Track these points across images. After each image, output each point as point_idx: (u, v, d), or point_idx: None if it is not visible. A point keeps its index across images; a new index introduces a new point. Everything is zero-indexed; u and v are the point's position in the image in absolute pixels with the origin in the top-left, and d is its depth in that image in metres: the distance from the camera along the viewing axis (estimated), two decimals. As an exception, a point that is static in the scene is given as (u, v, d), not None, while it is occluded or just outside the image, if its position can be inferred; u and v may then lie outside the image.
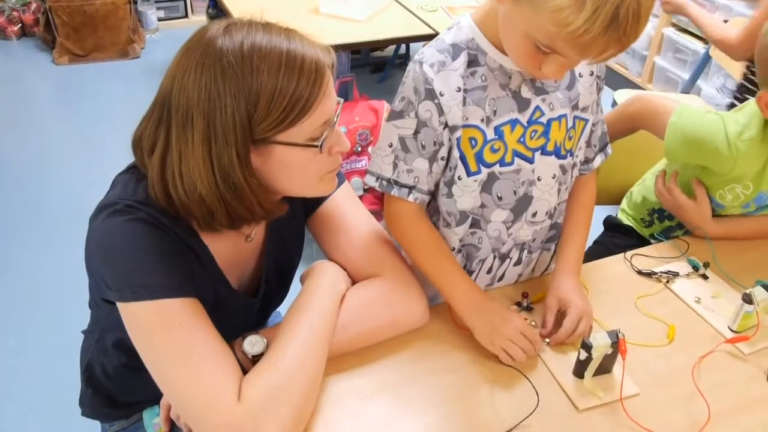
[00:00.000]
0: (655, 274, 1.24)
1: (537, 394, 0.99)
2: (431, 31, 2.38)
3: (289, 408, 0.85)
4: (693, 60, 3.22)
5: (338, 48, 2.27)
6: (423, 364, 1.04)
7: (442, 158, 1.06)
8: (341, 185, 1.11)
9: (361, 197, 2.27)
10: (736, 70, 2.52)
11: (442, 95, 1.00)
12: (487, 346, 1.04)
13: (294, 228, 1.11)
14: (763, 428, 0.97)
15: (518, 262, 1.22)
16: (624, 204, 1.62)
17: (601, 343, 0.97)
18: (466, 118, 1.02)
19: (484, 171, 1.07)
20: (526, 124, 1.05)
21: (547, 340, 1.07)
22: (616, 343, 0.98)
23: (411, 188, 1.07)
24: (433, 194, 1.13)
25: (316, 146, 0.87)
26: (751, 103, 1.25)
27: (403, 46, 3.90)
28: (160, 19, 4.23)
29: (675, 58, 3.41)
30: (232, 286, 1.02)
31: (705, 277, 1.25)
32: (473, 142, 1.04)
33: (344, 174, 1.20)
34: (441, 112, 1.01)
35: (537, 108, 1.05)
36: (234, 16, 2.35)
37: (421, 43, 3.79)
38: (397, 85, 1.06)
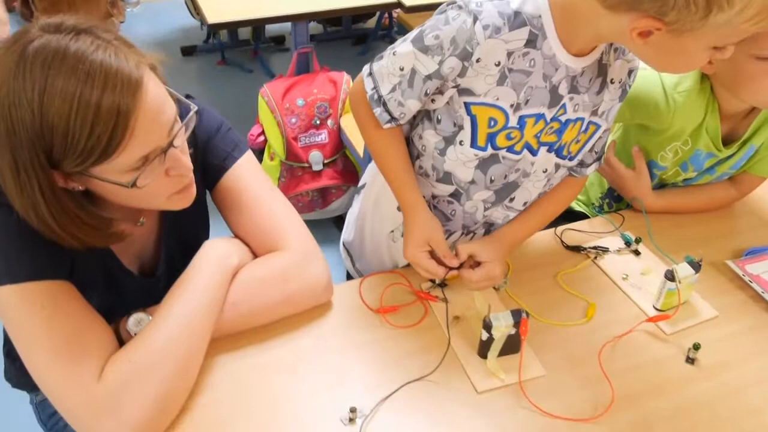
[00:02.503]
0: (584, 249, 1.19)
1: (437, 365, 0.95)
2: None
3: (155, 386, 0.82)
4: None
5: (298, 18, 2.22)
6: (326, 341, 1.00)
7: (433, 100, 0.99)
8: (243, 155, 1.06)
9: (320, 172, 2.23)
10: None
11: (478, 62, 0.90)
12: (408, 256, 1.04)
13: (194, 203, 1.07)
14: (674, 410, 0.92)
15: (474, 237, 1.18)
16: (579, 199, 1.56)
17: (503, 323, 0.93)
18: (497, 98, 0.94)
19: (490, 150, 0.99)
20: (548, 120, 0.97)
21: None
22: (519, 323, 0.93)
23: (392, 119, 1.00)
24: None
25: (125, 185, 0.79)
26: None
27: (386, 16, 3.80)
28: (141, -8, 4.16)
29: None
30: (127, 268, 0.99)
31: (637, 253, 1.19)
32: (492, 122, 0.96)
33: (248, 144, 1.13)
34: (462, 75, 0.92)
35: (563, 106, 0.97)
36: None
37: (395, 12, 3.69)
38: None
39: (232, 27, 2.10)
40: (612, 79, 1.00)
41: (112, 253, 0.96)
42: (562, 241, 1.21)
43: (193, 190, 0.90)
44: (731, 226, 1.28)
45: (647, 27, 0.79)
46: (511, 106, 0.94)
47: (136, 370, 0.82)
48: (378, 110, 0.99)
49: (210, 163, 1.04)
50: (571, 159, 1.06)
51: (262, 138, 2.22)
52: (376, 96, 0.99)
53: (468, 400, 0.92)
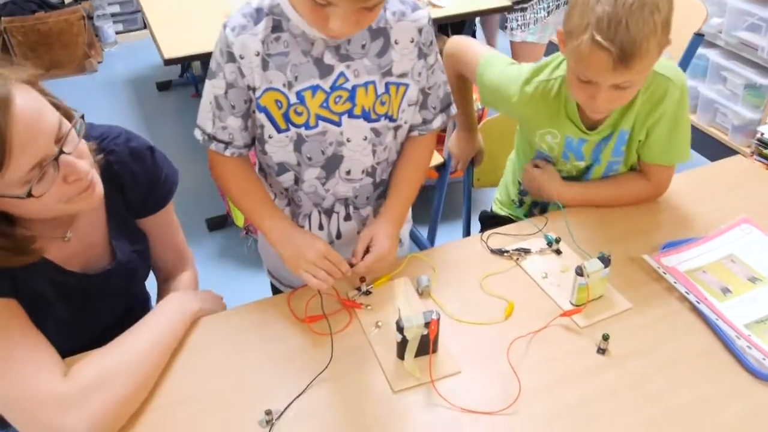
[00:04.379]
0: (507, 252, 1.24)
1: (332, 352, 1.01)
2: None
3: (120, 389, 0.91)
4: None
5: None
6: (254, 350, 1.04)
7: (253, 111, 1.09)
8: (171, 199, 1.20)
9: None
10: (673, 39, 2.50)
11: (242, 58, 1.03)
12: (293, 271, 1.10)
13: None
14: (580, 400, 0.97)
15: (348, 218, 1.25)
16: (495, 195, 1.63)
17: (414, 324, 0.97)
18: (270, 81, 1.05)
19: (293, 129, 1.10)
20: (328, 90, 1.06)
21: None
22: (429, 324, 0.98)
23: (227, 144, 1.12)
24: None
25: (21, 197, 0.84)
26: (554, 56, 1.30)
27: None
28: (118, 32, 4.26)
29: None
30: (70, 270, 1.04)
31: (558, 252, 1.24)
32: (279, 104, 1.07)
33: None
34: (242, 75, 1.04)
35: (341, 74, 1.06)
36: (147, 16, 2.37)
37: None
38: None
39: (186, 60, 2.18)
40: (396, 40, 1.08)
41: (51, 263, 1.01)
42: (487, 246, 1.26)
43: (99, 189, 0.96)
44: (652, 222, 1.32)
45: None
46: (284, 84, 1.06)
47: (105, 374, 0.91)
48: (213, 145, 1.12)
49: (148, 204, 1.16)
50: (391, 119, 1.13)
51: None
52: (205, 137, 1.12)
53: (384, 399, 0.97)
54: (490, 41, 3.31)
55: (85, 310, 1.08)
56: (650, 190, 1.35)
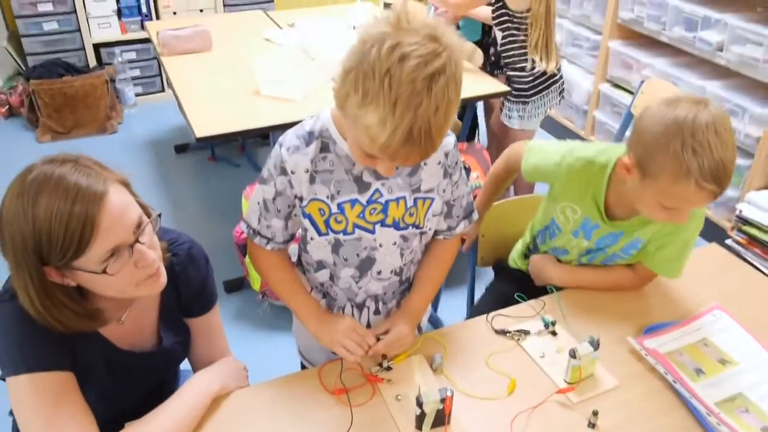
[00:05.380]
0: (509, 332, 1.41)
1: (351, 419, 1.16)
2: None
3: None
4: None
5: (275, 128, 2.50)
6: (288, 419, 1.20)
7: (295, 215, 1.29)
8: (215, 305, 1.37)
9: (299, 262, 2.45)
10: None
11: (293, 173, 1.22)
12: (328, 346, 1.30)
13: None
14: (574, 469, 1.13)
15: (377, 312, 1.43)
16: (511, 254, 1.81)
17: (431, 400, 1.14)
18: (315, 193, 1.24)
19: (332, 235, 1.28)
20: (365, 203, 1.25)
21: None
22: (444, 399, 1.15)
23: (269, 240, 1.31)
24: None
25: (102, 273, 1.02)
26: (607, 143, 1.47)
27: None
28: (137, 95, 4.50)
29: (612, 111, 3.62)
30: (123, 349, 1.22)
31: (554, 333, 1.42)
32: (322, 212, 1.26)
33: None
34: (292, 186, 1.24)
35: (377, 190, 1.25)
36: (180, 98, 2.56)
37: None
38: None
39: (218, 139, 2.37)
40: (426, 162, 1.27)
41: (105, 340, 1.19)
42: (492, 326, 1.44)
43: (162, 279, 1.14)
44: (636, 307, 1.50)
45: None
46: (327, 197, 1.24)
47: None
48: (257, 239, 1.31)
49: (194, 306, 1.33)
50: (417, 227, 1.32)
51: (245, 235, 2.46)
52: (251, 231, 1.31)
53: (405, 466, 1.13)
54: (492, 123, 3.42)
55: (125, 383, 1.24)
56: (633, 283, 1.54)
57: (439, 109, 0.97)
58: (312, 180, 1.23)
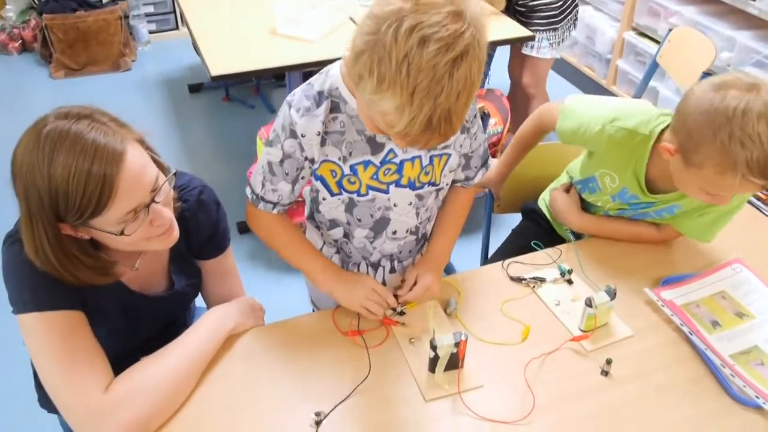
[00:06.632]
0: (524, 279, 1.40)
1: (369, 364, 1.18)
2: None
3: (147, 404, 1.06)
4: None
5: (291, 68, 2.45)
6: (303, 358, 1.21)
7: (302, 178, 1.24)
8: (229, 246, 1.36)
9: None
10: (681, 76, 2.65)
11: (303, 136, 1.16)
12: (349, 307, 1.26)
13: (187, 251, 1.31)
14: (586, 415, 1.13)
15: (392, 270, 1.41)
16: (543, 194, 1.77)
17: (445, 343, 1.14)
18: (326, 155, 1.19)
19: (345, 194, 1.25)
20: (378, 164, 1.21)
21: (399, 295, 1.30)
22: (458, 343, 1.15)
23: (275, 204, 1.26)
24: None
25: (118, 234, 1.01)
26: (644, 106, 1.38)
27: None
28: (151, 32, 4.43)
29: (636, 60, 3.52)
30: (137, 292, 1.22)
31: (570, 282, 1.41)
32: (334, 174, 1.22)
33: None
34: (302, 149, 1.18)
35: (391, 150, 1.20)
36: (195, 35, 2.52)
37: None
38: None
39: (233, 78, 2.33)
40: None
41: (118, 282, 1.19)
42: (507, 273, 1.43)
43: (175, 234, 1.13)
44: (654, 259, 1.49)
45: None
46: (339, 158, 1.20)
47: (135, 389, 1.06)
48: (261, 205, 1.26)
49: (205, 250, 1.32)
50: (433, 185, 1.29)
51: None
52: (254, 197, 1.25)
53: (417, 406, 1.14)
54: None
55: (137, 323, 1.25)
56: (656, 238, 1.51)
57: (460, 95, 0.88)
58: (323, 142, 1.17)
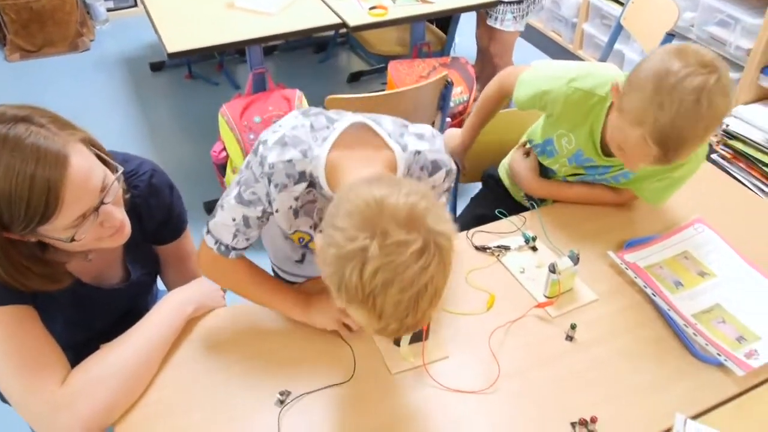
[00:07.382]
0: (489, 248, 1.40)
1: (354, 362, 1.15)
2: (339, 20, 2.48)
3: (106, 394, 1.03)
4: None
5: (251, 42, 2.40)
6: (270, 338, 1.20)
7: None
8: (185, 230, 1.34)
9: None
10: (645, 37, 2.64)
11: (277, 212, 1.13)
12: (328, 328, 1.20)
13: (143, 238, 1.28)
14: (551, 379, 1.14)
15: None
16: (504, 160, 1.76)
17: (409, 316, 1.13)
18: (299, 226, 1.18)
19: (307, 250, 1.29)
20: None
21: None
22: (422, 315, 1.14)
23: (244, 248, 1.19)
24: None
25: (65, 240, 0.98)
26: (607, 69, 1.37)
27: (346, 24, 3.97)
28: (109, 10, 4.30)
29: (602, 24, 3.51)
30: (90, 284, 1.19)
31: (534, 249, 1.40)
32: (302, 240, 1.25)
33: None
34: (273, 216, 1.15)
35: None
36: (151, 12, 2.44)
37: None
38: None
39: (190, 54, 2.27)
40: None
41: (74, 277, 1.15)
42: (472, 243, 1.42)
43: (126, 231, 1.09)
44: (617, 221, 1.49)
45: None
46: (311, 227, 1.20)
47: (92, 379, 1.04)
48: (232, 254, 1.17)
49: (161, 235, 1.30)
50: None
51: (224, 154, 2.40)
52: (222, 248, 1.17)
53: (383, 380, 1.13)
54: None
55: (93, 315, 1.22)
56: (614, 200, 1.52)
57: (427, 312, 0.88)
58: (296, 214, 1.16)
